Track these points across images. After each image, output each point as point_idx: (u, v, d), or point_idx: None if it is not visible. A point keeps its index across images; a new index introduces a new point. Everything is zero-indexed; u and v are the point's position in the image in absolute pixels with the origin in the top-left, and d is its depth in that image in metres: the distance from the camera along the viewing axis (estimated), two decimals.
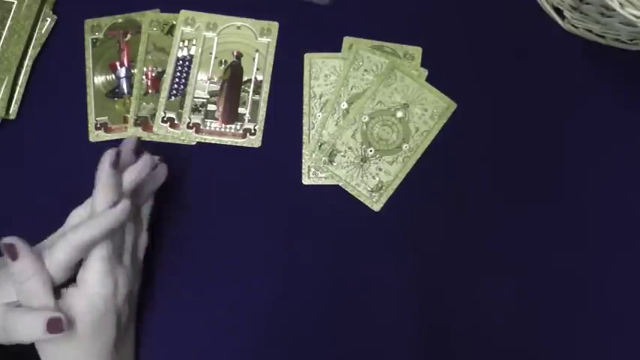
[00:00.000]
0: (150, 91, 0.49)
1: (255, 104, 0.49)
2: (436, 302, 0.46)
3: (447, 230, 0.47)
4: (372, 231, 0.47)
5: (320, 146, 0.48)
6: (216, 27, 0.50)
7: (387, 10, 0.50)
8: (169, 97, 0.49)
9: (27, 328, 0.35)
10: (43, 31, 0.50)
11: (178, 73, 0.49)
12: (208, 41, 0.50)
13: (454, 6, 0.51)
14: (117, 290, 0.38)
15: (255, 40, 0.50)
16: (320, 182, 0.48)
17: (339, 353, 0.45)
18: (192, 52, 0.50)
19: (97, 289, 0.37)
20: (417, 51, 0.49)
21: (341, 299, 0.46)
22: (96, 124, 0.49)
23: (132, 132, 0.48)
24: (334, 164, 0.48)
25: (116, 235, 0.39)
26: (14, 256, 0.36)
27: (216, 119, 0.49)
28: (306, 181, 0.48)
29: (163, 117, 0.48)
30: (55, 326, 0.35)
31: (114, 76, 0.50)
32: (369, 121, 0.48)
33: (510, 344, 0.45)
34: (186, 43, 0.50)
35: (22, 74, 0.49)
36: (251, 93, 0.49)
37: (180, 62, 0.50)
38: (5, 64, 0.49)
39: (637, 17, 0.37)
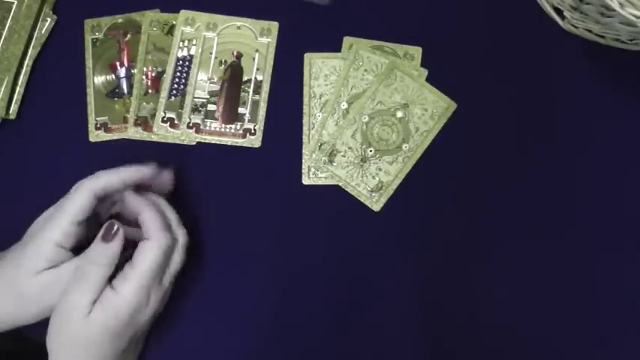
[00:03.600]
0: (150, 91, 0.49)
1: (255, 104, 0.49)
2: (436, 302, 0.46)
3: (447, 230, 0.47)
4: (372, 231, 0.47)
5: (320, 146, 0.48)
6: (216, 27, 0.50)
7: (387, 10, 0.50)
8: (169, 97, 0.49)
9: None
10: (43, 31, 0.50)
11: (178, 73, 0.49)
12: (208, 41, 0.50)
13: (454, 6, 0.51)
14: (146, 307, 0.38)
15: (255, 40, 0.50)
16: (320, 182, 0.48)
17: (339, 353, 0.45)
18: (192, 52, 0.50)
19: (127, 300, 0.37)
20: (417, 51, 0.49)
21: (341, 299, 0.46)
22: (96, 124, 0.49)
23: (132, 132, 0.48)
24: (334, 164, 0.48)
25: (165, 253, 0.38)
26: (109, 239, 0.37)
27: (216, 119, 0.49)
28: (306, 181, 0.48)
29: (163, 117, 0.48)
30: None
31: (114, 76, 0.50)
32: (369, 121, 0.48)
33: (511, 344, 0.45)
34: (186, 43, 0.50)
35: (22, 74, 0.49)
36: (251, 93, 0.49)
37: (180, 62, 0.50)
38: (5, 64, 0.49)
39: (637, 17, 0.37)
